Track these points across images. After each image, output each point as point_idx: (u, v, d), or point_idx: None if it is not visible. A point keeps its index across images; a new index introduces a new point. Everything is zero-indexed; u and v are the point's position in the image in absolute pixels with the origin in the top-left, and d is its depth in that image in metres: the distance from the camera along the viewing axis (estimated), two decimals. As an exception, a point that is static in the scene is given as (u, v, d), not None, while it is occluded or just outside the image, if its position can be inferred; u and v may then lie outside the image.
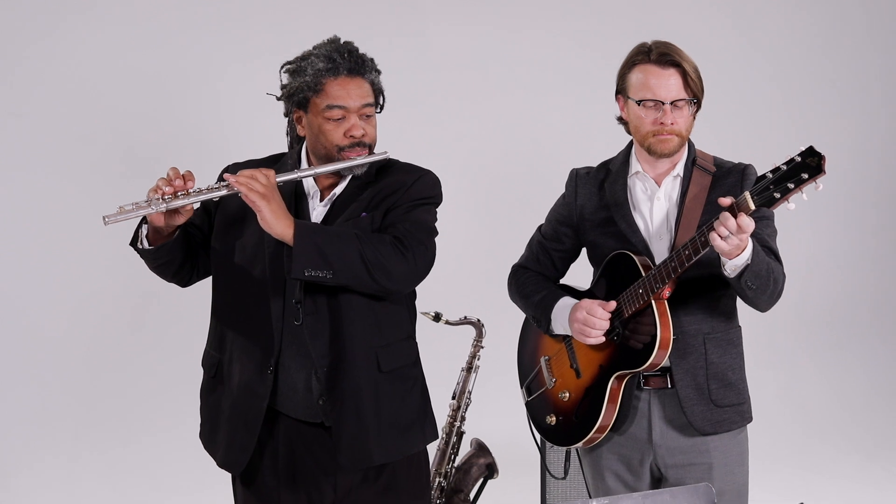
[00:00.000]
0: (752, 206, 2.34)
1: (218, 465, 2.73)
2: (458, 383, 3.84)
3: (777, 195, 2.30)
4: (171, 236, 2.62)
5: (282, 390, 2.63)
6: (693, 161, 2.70)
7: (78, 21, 5.48)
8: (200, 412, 2.80)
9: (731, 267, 2.47)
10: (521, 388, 3.01)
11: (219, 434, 2.70)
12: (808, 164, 2.26)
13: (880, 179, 6.45)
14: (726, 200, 2.38)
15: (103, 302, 5.58)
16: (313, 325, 2.59)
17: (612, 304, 2.66)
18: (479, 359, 3.88)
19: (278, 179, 2.53)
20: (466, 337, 3.87)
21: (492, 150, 5.82)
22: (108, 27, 5.51)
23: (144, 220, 2.60)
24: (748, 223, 2.34)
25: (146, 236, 2.63)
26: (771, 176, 2.32)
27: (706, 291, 2.66)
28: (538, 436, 2.99)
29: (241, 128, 5.47)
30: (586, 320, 2.66)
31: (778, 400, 5.68)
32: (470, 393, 3.84)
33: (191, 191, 2.51)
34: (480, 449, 3.86)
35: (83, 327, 5.55)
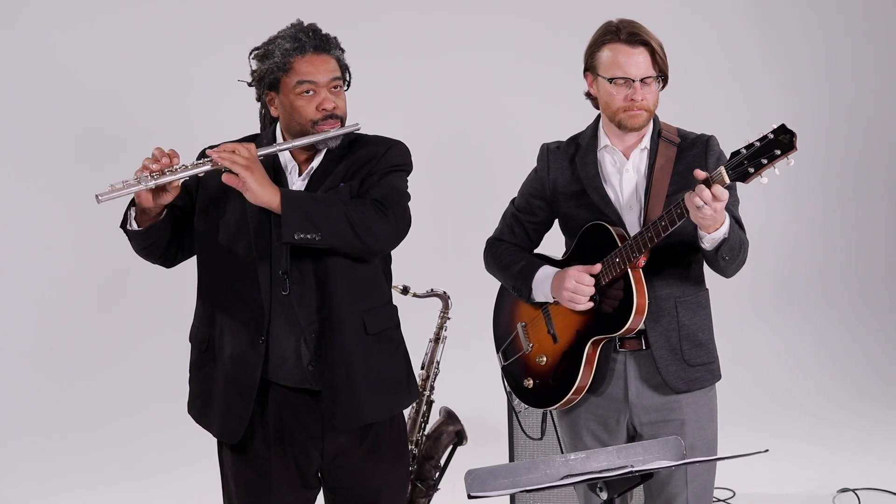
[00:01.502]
0: (728, 181, 2.48)
1: (214, 435, 2.81)
2: (426, 353, 3.95)
3: (751, 170, 2.44)
4: (158, 217, 2.70)
5: (272, 359, 2.71)
6: (658, 133, 2.84)
7: (48, 6, 5.53)
8: (190, 386, 2.88)
9: (710, 241, 2.62)
10: (497, 352, 3.13)
11: (213, 406, 2.78)
12: (781, 141, 2.41)
13: (829, 151, 6.64)
14: (701, 174, 2.51)
15: (70, 284, 5.62)
16: (300, 293, 2.68)
17: (598, 267, 2.78)
18: (445, 329, 3.98)
19: (258, 153, 2.62)
20: (433, 309, 3.98)
21: (448, 129, 5.92)
22: (77, 12, 5.55)
23: (132, 202, 2.67)
24: (722, 192, 2.48)
25: (134, 218, 2.70)
26: (745, 151, 2.46)
27: (677, 258, 2.81)
28: (516, 399, 3.11)
29: (208, 114, 5.53)
30: (576, 288, 2.78)
31: (732, 362, 5.87)
32: (438, 363, 3.94)
33: (176, 167, 2.59)
34: (449, 417, 3.96)
35: (51, 310, 5.60)
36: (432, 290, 3.98)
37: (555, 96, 5.78)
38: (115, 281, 5.58)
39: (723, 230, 2.59)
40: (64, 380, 5.54)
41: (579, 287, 2.79)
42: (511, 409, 3.76)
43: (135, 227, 2.71)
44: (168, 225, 2.74)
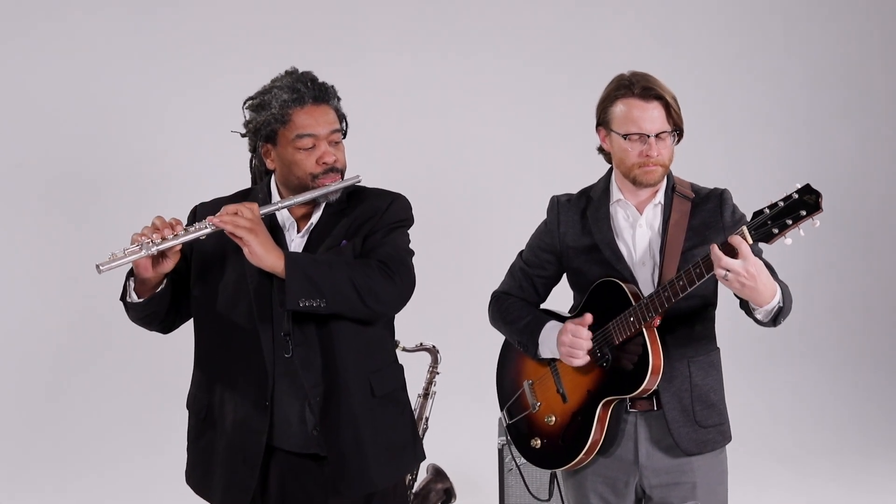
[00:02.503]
0: (750, 241, 2.42)
1: None
2: (414, 410, 3.84)
3: (775, 230, 2.38)
4: (158, 286, 2.61)
5: (276, 424, 2.62)
6: (672, 188, 2.79)
7: (22, 46, 5.42)
8: (188, 455, 2.77)
9: (764, 313, 2.55)
10: (502, 410, 3.04)
11: (214, 476, 2.67)
12: (807, 202, 2.35)
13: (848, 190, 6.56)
14: (716, 249, 2.42)
15: (41, 339, 5.45)
16: (304, 355, 2.59)
17: (588, 318, 2.71)
18: (435, 385, 3.90)
19: (261, 212, 2.53)
20: (422, 363, 3.88)
21: (431, 177, 5.85)
22: (52, 53, 5.46)
23: (131, 272, 2.58)
24: (733, 261, 2.40)
25: (133, 289, 2.61)
26: (768, 212, 2.40)
27: (690, 316, 2.75)
28: (509, 457, 3.02)
29: (187, 160, 5.48)
30: (573, 343, 2.71)
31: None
32: (427, 419, 3.85)
33: (178, 233, 2.50)
34: (438, 474, 3.88)
35: (12, 358, 5.40)
36: (421, 344, 3.90)
37: (547, 145, 5.77)
38: (92, 337, 5.41)
39: (776, 299, 2.52)
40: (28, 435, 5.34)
41: (576, 341, 2.72)
42: (501, 469, 3.68)
43: (135, 298, 2.62)
44: (168, 293, 2.66)
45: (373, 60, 5.75)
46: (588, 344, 2.71)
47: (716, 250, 2.41)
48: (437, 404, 3.87)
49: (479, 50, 5.97)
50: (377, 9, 5.84)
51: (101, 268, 2.42)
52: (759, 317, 2.59)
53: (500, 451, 3.80)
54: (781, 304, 2.54)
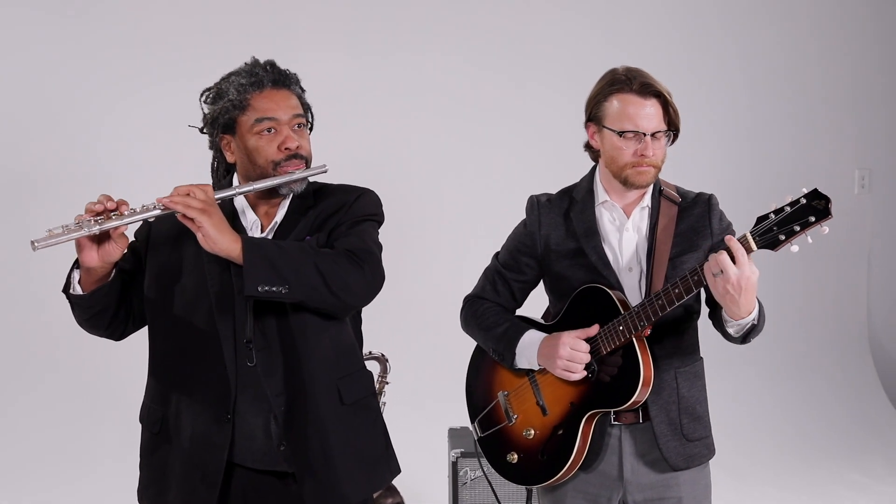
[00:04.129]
0: (755, 248, 2.30)
1: None
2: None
3: (782, 237, 2.27)
4: (105, 278, 2.38)
5: (238, 439, 2.42)
6: (660, 191, 2.66)
7: None
8: (141, 472, 2.55)
9: (736, 327, 2.45)
10: (472, 423, 2.87)
11: (169, 495, 2.45)
12: (815, 207, 2.24)
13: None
14: (733, 240, 2.31)
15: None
16: (266, 361, 2.39)
17: (595, 329, 2.56)
18: (384, 395, 3.72)
19: (216, 196, 2.33)
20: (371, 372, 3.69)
21: (386, 174, 5.65)
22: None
23: (76, 263, 2.35)
24: (734, 267, 2.29)
25: (79, 282, 2.38)
26: (774, 217, 2.29)
27: (676, 325, 2.62)
28: (464, 469, 2.87)
29: (135, 159, 5.26)
30: (572, 356, 2.55)
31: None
32: (382, 417, 3.66)
33: (123, 213, 2.27)
34: (388, 489, 3.70)
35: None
36: (370, 352, 3.73)
37: (499, 144, 5.60)
38: (31, 340, 5.09)
39: (751, 316, 2.41)
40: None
41: (575, 355, 2.56)
42: (455, 483, 3.51)
43: (79, 290, 2.38)
44: (117, 288, 2.42)
45: (325, 58, 5.54)
46: (587, 358, 2.55)
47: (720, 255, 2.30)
48: (384, 415, 3.68)
49: (432, 50, 5.80)
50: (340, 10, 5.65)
51: (36, 244, 2.19)
52: (730, 331, 2.49)
53: (454, 465, 3.64)
54: (755, 322, 2.44)
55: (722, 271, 2.30)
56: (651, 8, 6.05)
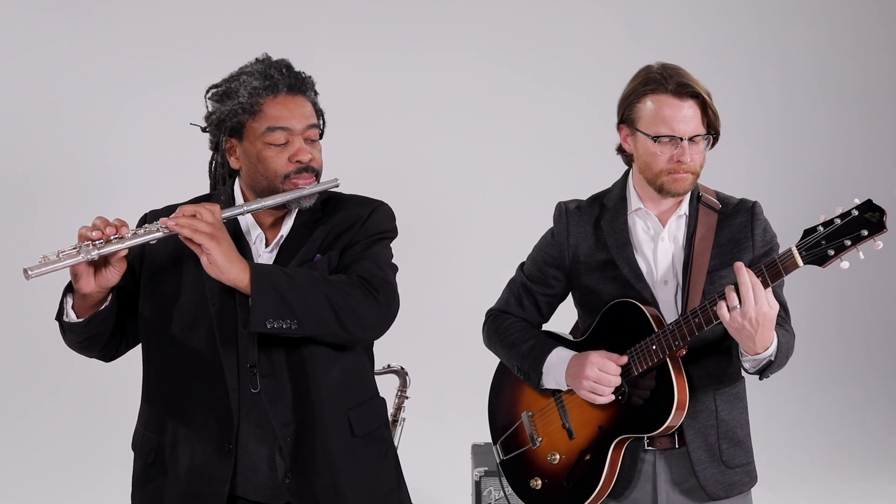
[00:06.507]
0: (801, 264, 2.11)
1: None
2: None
3: (831, 252, 2.08)
4: (101, 304, 2.20)
5: (240, 471, 2.24)
6: (698, 198, 2.47)
7: None
8: (132, 502, 2.37)
9: (752, 363, 2.27)
10: (494, 444, 2.69)
11: None
12: (869, 220, 2.05)
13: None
14: (741, 266, 2.14)
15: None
16: (272, 388, 2.21)
17: (624, 359, 2.38)
18: (403, 410, 3.54)
19: (223, 216, 2.14)
20: (390, 387, 3.52)
21: (404, 187, 5.52)
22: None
23: (69, 287, 2.17)
24: (746, 303, 2.13)
25: (72, 307, 2.20)
26: (822, 230, 2.10)
27: (716, 344, 2.43)
28: (512, 496, 2.69)
29: (132, 163, 5.15)
30: (600, 378, 2.36)
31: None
32: (395, 448, 3.49)
33: (124, 236, 2.09)
34: (406, 509, 3.52)
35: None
36: (389, 366, 3.55)
37: (527, 153, 5.44)
38: (19, 361, 4.96)
39: (769, 352, 2.22)
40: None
41: (603, 377, 2.37)
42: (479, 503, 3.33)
43: (73, 318, 2.20)
44: (113, 313, 2.24)
45: (344, 60, 5.40)
46: (617, 381, 2.37)
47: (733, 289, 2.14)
48: (407, 430, 3.52)
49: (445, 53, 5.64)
50: (357, 7, 5.48)
51: (29, 273, 2.00)
52: (745, 366, 2.31)
53: (478, 484, 3.47)
54: (773, 359, 2.25)
55: (735, 308, 2.14)
56: (680, 7, 5.87)
